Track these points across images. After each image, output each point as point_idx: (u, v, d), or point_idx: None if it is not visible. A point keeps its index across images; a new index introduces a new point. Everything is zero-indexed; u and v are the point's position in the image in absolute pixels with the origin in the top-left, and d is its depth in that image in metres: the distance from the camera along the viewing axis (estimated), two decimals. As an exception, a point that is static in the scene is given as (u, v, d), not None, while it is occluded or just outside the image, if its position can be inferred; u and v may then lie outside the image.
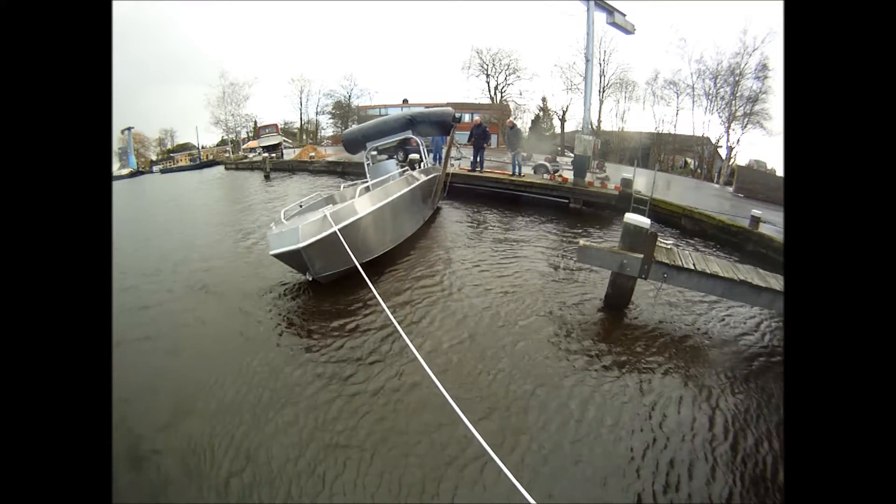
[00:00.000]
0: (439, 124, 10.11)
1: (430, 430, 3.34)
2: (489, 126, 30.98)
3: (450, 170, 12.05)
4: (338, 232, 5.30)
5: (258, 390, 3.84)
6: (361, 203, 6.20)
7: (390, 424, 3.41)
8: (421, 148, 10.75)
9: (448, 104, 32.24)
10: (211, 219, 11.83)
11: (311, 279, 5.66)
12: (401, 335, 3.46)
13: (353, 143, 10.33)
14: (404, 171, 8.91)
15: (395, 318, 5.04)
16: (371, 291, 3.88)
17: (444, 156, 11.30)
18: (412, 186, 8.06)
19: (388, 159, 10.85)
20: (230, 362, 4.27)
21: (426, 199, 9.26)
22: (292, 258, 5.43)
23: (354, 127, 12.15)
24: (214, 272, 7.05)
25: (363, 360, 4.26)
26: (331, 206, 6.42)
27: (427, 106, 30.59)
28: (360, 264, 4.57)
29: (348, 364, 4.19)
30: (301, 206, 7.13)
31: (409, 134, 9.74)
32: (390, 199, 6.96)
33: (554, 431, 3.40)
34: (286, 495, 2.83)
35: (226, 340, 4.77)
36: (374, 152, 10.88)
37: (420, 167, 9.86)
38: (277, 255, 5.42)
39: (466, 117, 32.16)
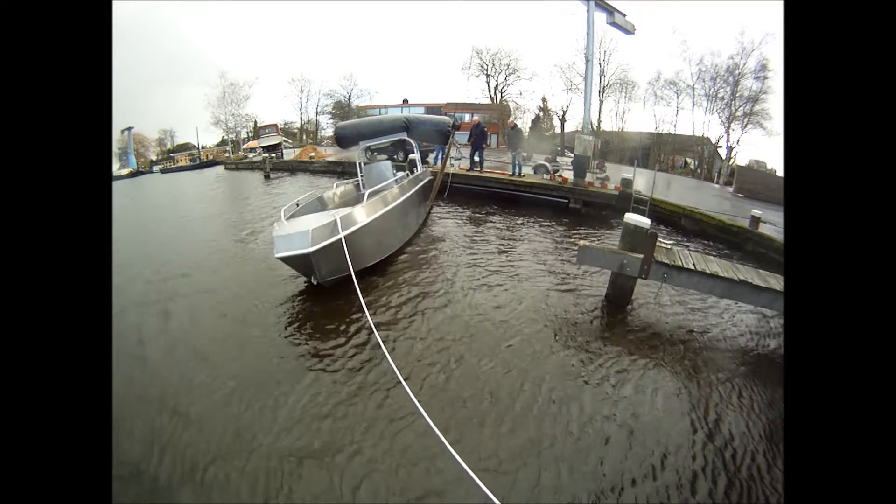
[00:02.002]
0: (437, 132, 10.14)
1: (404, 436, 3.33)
2: (489, 126, 31.08)
3: (449, 170, 12.14)
4: (343, 239, 5.28)
5: (255, 394, 3.84)
6: (368, 208, 6.19)
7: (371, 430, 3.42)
8: (416, 152, 10.69)
9: (448, 104, 32.35)
10: (210, 219, 11.83)
11: (315, 283, 5.57)
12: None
13: (346, 139, 10.26)
14: (405, 175, 8.91)
15: (392, 317, 5.07)
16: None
17: (443, 158, 11.37)
18: (413, 190, 8.11)
19: (386, 160, 10.84)
20: (227, 364, 4.28)
21: (422, 203, 9.40)
22: (300, 262, 5.35)
23: (349, 121, 12.01)
24: (212, 272, 7.06)
25: (353, 367, 4.27)
26: (340, 209, 6.26)
27: (427, 106, 30.76)
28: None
29: (341, 371, 4.19)
30: (298, 205, 7.10)
31: (404, 136, 9.74)
32: (395, 203, 6.98)
33: (553, 432, 3.40)
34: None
35: (223, 342, 4.78)
36: (373, 152, 10.88)
37: (417, 170, 9.86)
38: (284, 259, 5.34)
39: (466, 117, 32.26)
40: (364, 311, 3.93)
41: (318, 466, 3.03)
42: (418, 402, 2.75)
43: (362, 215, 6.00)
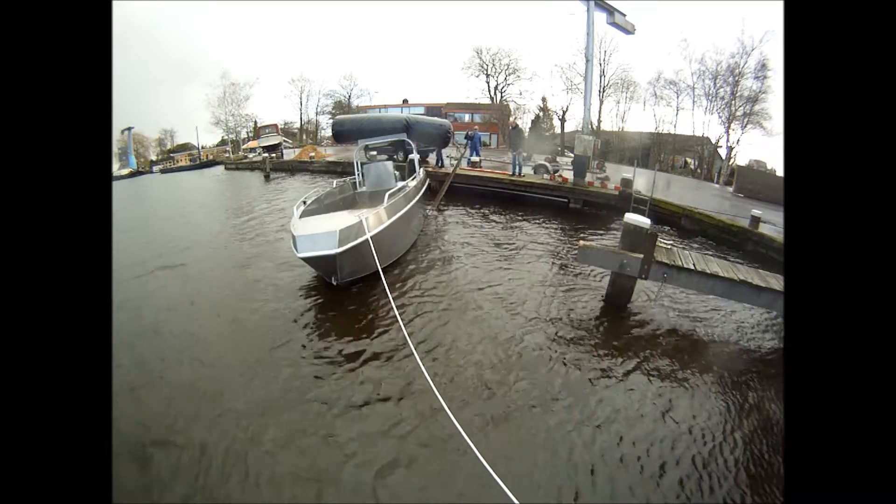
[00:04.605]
0: (437, 135, 10.09)
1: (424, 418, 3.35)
2: (489, 126, 31.07)
3: (449, 169, 12.18)
4: (370, 240, 5.29)
5: (265, 398, 3.84)
6: (389, 209, 6.19)
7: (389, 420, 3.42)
8: (415, 152, 10.52)
9: (448, 104, 32.21)
10: (212, 217, 11.83)
11: (335, 284, 5.50)
12: (409, 343, 3.49)
13: (344, 134, 10.12)
14: (413, 176, 8.90)
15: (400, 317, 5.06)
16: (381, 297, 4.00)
17: (457, 160, 11.54)
18: (421, 193, 8.20)
19: (386, 160, 10.78)
20: (236, 371, 4.27)
21: (426, 204, 9.52)
22: (324, 262, 5.29)
23: (348, 116, 11.90)
24: (217, 272, 7.06)
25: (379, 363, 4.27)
26: (363, 210, 6.11)
27: (427, 106, 30.71)
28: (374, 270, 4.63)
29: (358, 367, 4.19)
30: (305, 203, 7.01)
31: (403, 136, 9.71)
32: (410, 205, 7.02)
33: (552, 432, 3.40)
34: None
35: (232, 346, 4.78)
36: (374, 151, 10.83)
37: (417, 171, 9.80)
38: (307, 259, 5.29)
39: (466, 117, 32.25)
40: (394, 311, 4.00)
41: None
42: (446, 405, 2.78)
43: (384, 216, 5.98)
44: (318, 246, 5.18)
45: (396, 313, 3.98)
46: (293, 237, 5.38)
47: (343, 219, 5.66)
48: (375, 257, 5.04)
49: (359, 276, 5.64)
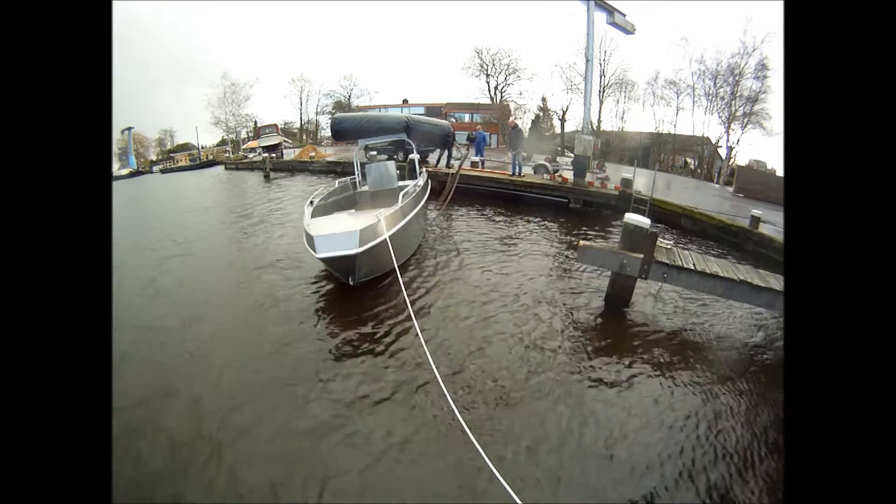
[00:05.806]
0: (438, 136, 10.04)
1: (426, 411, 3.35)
2: (489, 126, 31.13)
3: (450, 169, 12.18)
4: (388, 239, 5.30)
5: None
6: (404, 209, 6.20)
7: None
8: (415, 153, 10.37)
9: (448, 104, 32.14)
10: (211, 216, 11.83)
11: (352, 283, 5.47)
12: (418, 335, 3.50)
13: (343, 132, 10.09)
14: (420, 176, 8.90)
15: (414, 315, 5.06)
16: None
17: (462, 160, 11.62)
18: (428, 193, 8.27)
19: (387, 159, 10.77)
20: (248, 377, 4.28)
21: (428, 205, 9.49)
22: (343, 263, 5.25)
23: (348, 115, 11.84)
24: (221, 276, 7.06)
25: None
26: (379, 210, 6.00)
27: (427, 106, 30.70)
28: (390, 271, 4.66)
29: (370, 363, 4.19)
30: (312, 203, 6.92)
31: (403, 137, 9.71)
32: (420, 205, 7.07)
33: (552, 432, 3.40)
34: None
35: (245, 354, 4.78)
36: (374, 151, 10.82)
37: (417, 171, 9.77)
38: (327, 259, 5.25)
39: (466, 117, 32.21)
40: (409, 310, 4.08)
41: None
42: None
43: (399, 216, 5.98)
44: (337, 246, 5.14)
45: (413, 316, 3.99)
46: (310, 238, 5.30)
47: (360, 219, 5.67)
48: (393, 256, 5.04)
49: (374, 276, 5.64)
